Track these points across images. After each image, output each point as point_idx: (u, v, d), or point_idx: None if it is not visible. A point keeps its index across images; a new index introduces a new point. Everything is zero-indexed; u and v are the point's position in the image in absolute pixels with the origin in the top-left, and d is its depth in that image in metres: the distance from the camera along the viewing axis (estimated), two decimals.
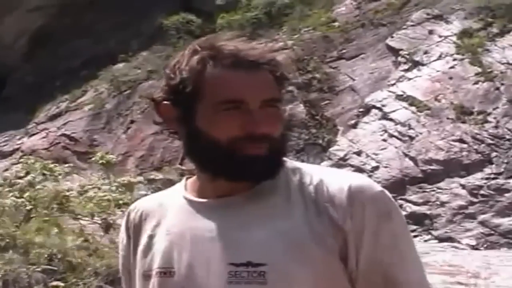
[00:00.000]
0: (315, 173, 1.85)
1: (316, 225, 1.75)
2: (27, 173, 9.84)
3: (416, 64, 19.11)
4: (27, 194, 8.61)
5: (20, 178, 9.87)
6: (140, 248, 1.90)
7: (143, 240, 1.90)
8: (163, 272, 1.81)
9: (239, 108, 1.79)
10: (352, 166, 17.62)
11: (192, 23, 25.25)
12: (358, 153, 17.87)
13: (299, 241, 1.74)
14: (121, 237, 2.00)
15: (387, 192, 1.82)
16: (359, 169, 17.32)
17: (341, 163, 17.68)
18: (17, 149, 22.24)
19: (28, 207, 8.74)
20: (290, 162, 1.90)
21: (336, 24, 22.17)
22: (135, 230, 1.95)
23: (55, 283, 8.15)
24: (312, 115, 19.97)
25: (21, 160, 10.39)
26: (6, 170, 16.85)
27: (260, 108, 1.81)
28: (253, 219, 1.78)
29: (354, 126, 18.67)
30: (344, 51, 21.22)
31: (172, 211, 1.89)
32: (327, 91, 20.38)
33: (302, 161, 19.77)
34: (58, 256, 8.39)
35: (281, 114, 1.87)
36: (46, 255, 8.44)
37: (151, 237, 1.88)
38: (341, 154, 18.03)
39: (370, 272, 1.76)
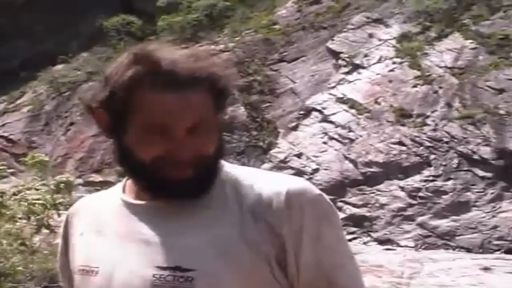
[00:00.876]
0: (253, 178, 1.82)
1: (250, 232, 1.72)
2: None
3: (356, 67, 19.26)
4: None
5: None
6: (71, 246, 1.89)
7: (75, 238, 1.90)
8: (85, 270, 1.80)
9: (165, 133, 1.74)
10: (292, 168, 17.67)
11: (133, 25, 25.10)
12: (299, 156, 17.94)
13: (230, 248, 1.71)
14: (59, 237, 1.99)
15: (325, 195, 1.80)
16: (299, 172, 17.39)
17: (282, 165, 17.72)
18: None
19: None
20: (230, 167, 1.87)
21: (277, 26, 22.24)
22: (69, 229, 1.93)
23: None
24: (253, 118, 19.99)
25: None
26: None
27: (187, 133, 1.75)
28: (186, 226, 1.75)
29: (295, 128, 18.74)
30: (285, 53, 21.29)
31: (107, 212, 1.87)
32: (268, 94, 20.42)
33: (243, 163, 19.80)
34: None
35: (211, 135, 1.79)
36: None
37: (81, 234, 1.87)
38: (282, 156, 18.08)
39: (312, 277, 1.74)
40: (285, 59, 21.16)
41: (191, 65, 1.75)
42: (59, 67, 23.77)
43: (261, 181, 1.81)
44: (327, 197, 1.80)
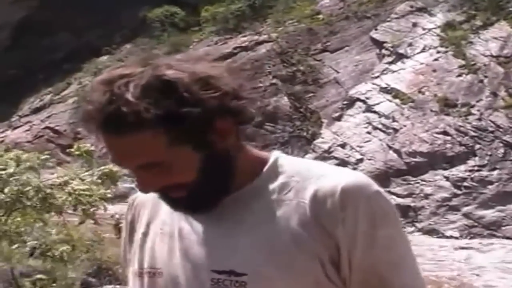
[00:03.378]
0: (307, 173, 1.72)
1: (301, 232, 1.65)
2: (7, 165, 9.77)
3: (400, 57, 19.14)
4: (7, 189, 8.53)
5: (3, 170, 9.80)
6: (134, 245, 1.88)
7: (137, 236, 1.88)
8: (152, 273, 1.77)
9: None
10: (336, 158, 17.65)
11: (176, 15, 25.18)
12: (343, 146, 17.90)
13: (280, 250, 1.65)
14: (123, 231, 1.99)
15: (383, 192, 1.69)
16: (343, 162, 17.34)
17: (326, 155, 17.69)
18: (0, 142, 22.12)
19: (10, 199, 8.67)
20: (285, 160, 1.77)
21: (321, 16, 22.17)
22: (131, 226, 1.92)
23: (39, 276, 8.12)
24: (296, 108, 19.97)
25: (1, 152, 10.30)
26: None
27: (141, 171, 1.63)
28: (238, 224, 1.70)
29: (339, 118, 18.69)
30: (328, 43, 21.22)
31: (165, 209, 1.86)
32: (311, 84, 20.38)
33: (286, 154, 19.69)
34: (42, 249, 8.35)
35: (177, 168, 1.63)
36: (29, 249, 8.40)
37: (144, 235, 1.84)
38: (326, 146, 18.05)
39: (365, 277, 1.67)
40: (328, 49, 21.10)
41: (125, 109, 1.56)
42: (103, 58, 23.95)
43: (314, 176, 1.71)
44: (386, 194, 1.70)
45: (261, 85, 20.58)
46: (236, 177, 1.71)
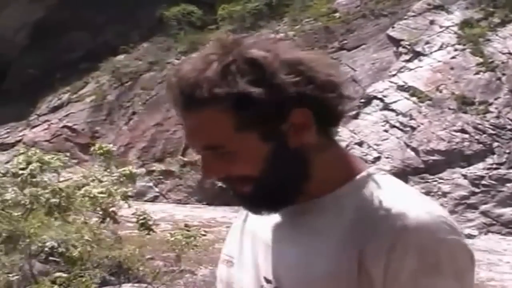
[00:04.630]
0: (378, 199, 1.59)
1: (343, 262, 1.54)
2: (29, 164, 9.84)
3: (418, 55, 19.09)
4: (27, 190, 8.61)
5: (22, 169, 9.87)
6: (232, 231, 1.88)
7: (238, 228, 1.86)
8: (226, 260, 1.79)
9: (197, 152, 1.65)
10: None
11: (193, 14, 25.20)
12: (360, 144, 17.88)
13: (320, 278, 1.56)
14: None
15: (452, 238, 1.54)
16: None
17: None
18: (19, 141, 22.22)
19: (29, 200, 8.75)
20: (379, 180, 1.65)
21: (337, 14, 22.14)
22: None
23: (58, 274, 8.17)
24: None
25: (22, 151, 10.37)
26: (8, 162, 16.84)
27: (207, 154, 1.60)
28: (299, 235, 1.63)
29: (356, 117, 18.66)
30: (345, 41, 21.19)
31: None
32: None
33: None
34: (61, 248, 8.41)
35: (241, 156, 1.56)
36: (49, 247, 8.46)
37: (237, 227, 1.86)
38: (343, 144, 18.00)
39: None
40: (345, 47, 21.07)
41: (194, 85, 1.56)
42: (121, 57, 24.01)
43: (386, 204, 1.57)
44: (456, 235, 1.55)
45: None
46: (313, 180, 1.60)
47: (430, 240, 1.51)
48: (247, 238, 1.76)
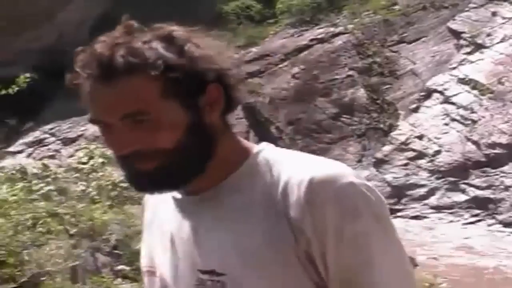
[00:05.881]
0: (283, 167, 1.65)
1: (276, 231, 1.59)
2: (90, 159, 9.98)
3: (479, 47, 18.86)
4: (93, 183, 8.77)
5: (83, 163, 10.02)
6: (143, 243, 1.89)
7: (145, 235, 1.89)
8: (150, 272, 1.80)
9: (105, 127, 1.65)
10: (414, 150, 17.51)
11: (252, 8, 25.28)
12: (420, 137, 17.74)
13: (255, 250, 1.61)
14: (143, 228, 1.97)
15: (359, 183, 1.60)
16: (420, 154, 17.23)
17: (403, 147, 17.58)
18: (81, 135, 22.51)
19: (93, 194, 8.90)
20: (268, 153, 1.71)
21: (397, 7, 21.98)
22: (144, 226, 1.92)
23: (121, 267, 8.27)
24: (373, 100, 19.86)
25: (84, 146, 10.54)
26: (71, 156, 17.11)
27: (123, 126, 1.60)
28: (218, 221, 1.67)
29: (416, 110, 18.52)
30: (405, 34, 21.03)
31: (163, 206, 1.81)
32: (388, 75, 20.24)
33: (364, 146, 19.74)
34: (124, 241, 8.50)
35: (161, 125, 1.59)
36: (112, 240, 8.57)
37: (148, 234, 1.87)
38: (403, 138, 17.92)
39: (339, 275, 1.60)
40: (405, 40, 20.91)
41: (120, 54, 1.59)
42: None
43: (288, 168, 1.64)
44: (363, 186, 1.60)
45: (337, 77, 20.55)
46: (215, 160, 1.66)
47: (342, 187, 1.58)
48: (163, 241, 1.77)
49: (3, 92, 9.28)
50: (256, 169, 1.68)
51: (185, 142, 1.61)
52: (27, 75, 9.40)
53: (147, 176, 1.62)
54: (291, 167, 1.64)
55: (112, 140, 1.64)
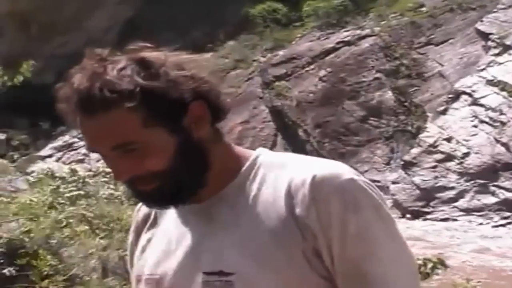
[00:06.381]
0: (283, 167, 1.73)
1: (282, 229, 1.65)
2: None
3: (507, 48, 18.74)
4: (121, 187, 8.83)
5: None
6: (138, 249, 1.89)
7: (142, 241, 1.89)
8: (150, 279, 1.81)
9: (100, 154, 1.68)
10: (442, 152, 17.43)
11: (279, 11, 25.32)
12: (448, 140, 17.65)
13: (262, 248, 1.65)
14: (129, 235, 1.98)
15: (358, 179, 1.68)
16: (449, 156, 17.13)
17: (431, 149, 17.50)
18: None
19: (124, 196, 8.97)
20: (267, 156, 1.78)
21: (424, 9, 21.92)
22: (137, 230, 1.93)
23: None
24: (400, 102, 19.81)
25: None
26: (99, 160, 17.18)
27: (117, 154, 1.65)
28: (223, 224, 1.71)
29: (444, 112, 18.44)
30: (432, 36, 20.96)
31: (167, 212, 1.84)
32: (415, 78, 20.18)
33: (392, 148, 19.68)
34: None
35: (150, 151, 1.63)
36: None
37: (148, 240, 1.87)
38: (431, 140, 17.84)
39: (345, 269, 1.65)
40: (432, 42, 20.84)
41: (95, 88, 1.59)
42: (207, 55, 24.23)
43: (289, 169, 1.71)
44: (362, 182, 1.68)
45: (365, 79, 20.52)
46: (213, 170, 1.71)
47: (343, 182, 1.65)
48: (168, 246, 1.79)
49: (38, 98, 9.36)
50: (257, 172, 1.74)
51: (177, 161, 1.65)
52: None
53: (150, 196, 1.69)
54: (293, 168, 1.70)
55: (110, 167, 1.68)
